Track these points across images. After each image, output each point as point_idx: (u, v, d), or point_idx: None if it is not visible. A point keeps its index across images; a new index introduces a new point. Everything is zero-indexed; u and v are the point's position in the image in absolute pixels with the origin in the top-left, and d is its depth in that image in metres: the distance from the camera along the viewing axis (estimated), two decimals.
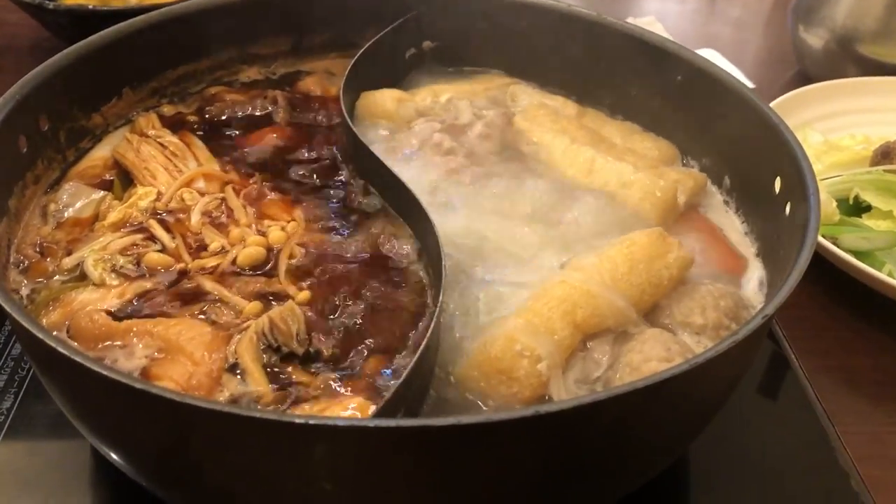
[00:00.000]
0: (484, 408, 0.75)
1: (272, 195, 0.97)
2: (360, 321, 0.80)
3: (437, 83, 1.16)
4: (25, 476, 0.83)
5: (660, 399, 0.62)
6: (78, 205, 0.93)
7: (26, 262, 0.86)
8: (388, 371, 0.76)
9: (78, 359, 0.59)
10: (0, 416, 0.88)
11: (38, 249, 0.88)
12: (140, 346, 0.77)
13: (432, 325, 0.71)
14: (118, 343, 0.77)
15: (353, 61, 1.10)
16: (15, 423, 0.87)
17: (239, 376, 0.74)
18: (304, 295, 0.82)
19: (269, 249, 0.88)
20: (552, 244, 0.89)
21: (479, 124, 1.07)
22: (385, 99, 1.10)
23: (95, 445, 0.76)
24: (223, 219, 0.93)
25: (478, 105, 1.12)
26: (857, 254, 1.11)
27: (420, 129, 1.05)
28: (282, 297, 0.83)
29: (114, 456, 0.71)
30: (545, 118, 1.08)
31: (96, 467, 0.84)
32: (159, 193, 0.95)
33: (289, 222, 0.92)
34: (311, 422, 0.54)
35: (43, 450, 0.86)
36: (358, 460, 0.58)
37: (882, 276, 1.05)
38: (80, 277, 0.85)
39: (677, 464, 0.87)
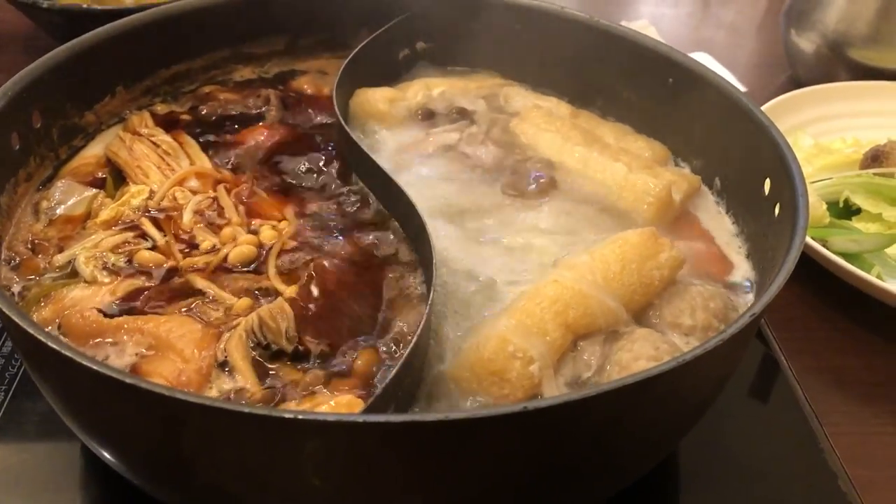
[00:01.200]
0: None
1: (263, 194, 0.97)
2: (349, 318, 0.80)
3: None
4: (15, 474, 0.83)
5: (648, 396, 0.62)
6: (70, 202, 0.93)
7: (18, 258, 0.86)
8: (378, 368, 0.76)
9: (69, 353, 0.59)
10: None
11: (29, 246, 0.88)
12: (130, 343, 0.77)
13: (422, 323, 0.71)
14: (109, 340, 0.77)
15: (346, 61, 1.10)
16: (4, 421, 0.87)
17: (228, 373, 0.75)
18: (293, 290, 0.82)
19: (261, 247, 0.88)
20: (545, 241, 0.90)
21: (481, 124, 1.08)
22: (378, 99, 1.10)
23: (86, 442, 0.75)
24: (215, 217, 0.93)
25: (473, 103, 1.13)
26: (847, 256, 1.12)
27: (437, 138, 1.05)
28: (271, 294, 0.83)
29: (104, 453, 0.71)
30: (539, 119, 1.08)
31: (86, 466, 0.83)
32: (151, 192, 0.96)
33: (280, 221, 0.92)
34: (301, 417, 0.54)
35: (32, 448, 0.85)
36: (347, 456, 0.58)
37: (870, 278, 1.06)
38: (72, 274, 0.85)
39: (666, 464, 0.87)
